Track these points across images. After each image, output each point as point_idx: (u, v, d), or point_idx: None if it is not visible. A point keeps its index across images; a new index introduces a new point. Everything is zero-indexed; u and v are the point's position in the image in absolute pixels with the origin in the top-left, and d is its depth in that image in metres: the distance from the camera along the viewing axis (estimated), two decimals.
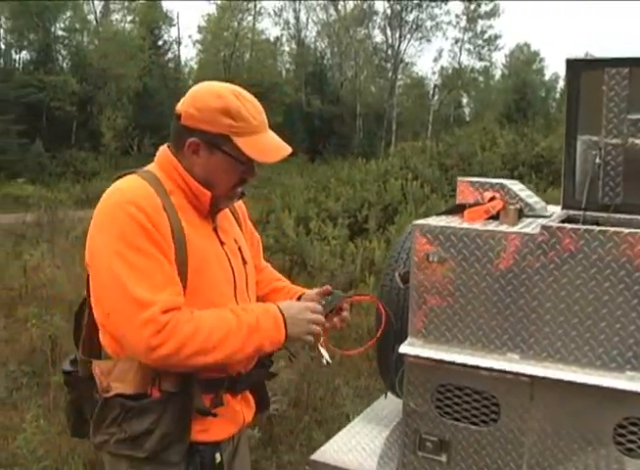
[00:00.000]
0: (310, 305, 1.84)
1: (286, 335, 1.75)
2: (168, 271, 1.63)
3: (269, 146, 1.77)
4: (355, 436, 2.71)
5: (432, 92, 47.55)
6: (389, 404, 2.93)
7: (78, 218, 12.50)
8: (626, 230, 1.96)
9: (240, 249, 1.92)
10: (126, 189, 1.70)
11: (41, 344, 5.44)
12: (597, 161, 2.57)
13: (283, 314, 1.75)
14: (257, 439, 3.87)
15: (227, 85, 1.79)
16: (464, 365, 2.16)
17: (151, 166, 1.82)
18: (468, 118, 47.80)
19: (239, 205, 2.08)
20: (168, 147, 1.82)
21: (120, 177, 1.79)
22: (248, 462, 2.11)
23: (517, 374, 2.09)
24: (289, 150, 1.78)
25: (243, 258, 1.92)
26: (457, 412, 2.23)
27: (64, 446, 3.78)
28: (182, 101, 1.77)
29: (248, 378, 1.86)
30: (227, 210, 1.97)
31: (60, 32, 35.92)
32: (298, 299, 2.04)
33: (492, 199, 2.45)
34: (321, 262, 8.37)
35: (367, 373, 5.20)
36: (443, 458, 2.24)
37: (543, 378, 2.05)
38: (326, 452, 2.57)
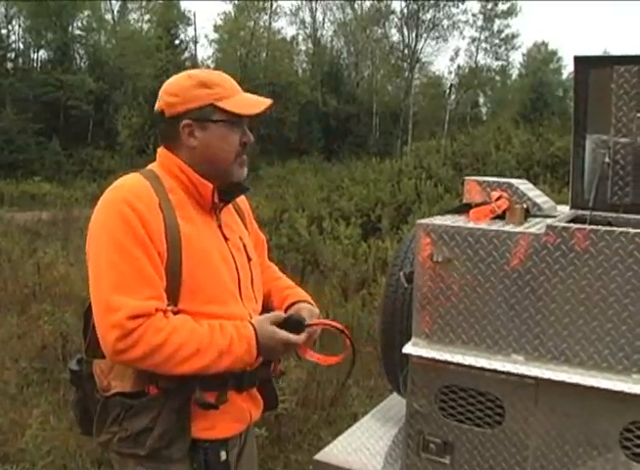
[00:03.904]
0: (282, 334, 1.78)
1: (258, 356, 1.75)
2: (149, 273, 1.64)
3: (250, 101, 1.84)
4: (361, 436, 2.69)
5: (448, 91, 47.38)
6: (397, 404, 2.91)
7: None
8: (633, 230, 1.93)
9: (245, 246, 1.93)
10: (124, 187, 1.74)
11: (52, 341, 5.47)
12: (606, 160, 2.53)
13: (257, 337, 1.73)
14: (265, 437, 3.86)
15: (189, 70, 1.88)
16: (468, 366, 2.13)
17: (152, 165, 1.86)
18: (485, 118, 47.53)
19: (243, 203, 2.09)
20: (165, 147, 1.85)
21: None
22: (255, 461, 2.10)
23: (521, 376, 2.06)
24: (268, 101, 1.85)
25: (247, 256, 1.92)
26: (461, 414, 2.20)
27: (72, 442, 3.78)
28: (157, 102, 1.83)
29: (253, 375, 1.85)
30: (232, 208, 1.98)
31: (77, 32, 36.19)
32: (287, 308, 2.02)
33: (499, 198, 2.42)
34: (333, 262, 8.36)
35: (377, 373, 5.17)
36: (447, 460, 2.21)
37: (548, 380, 2.02)
38: (330, 453, 2.55)
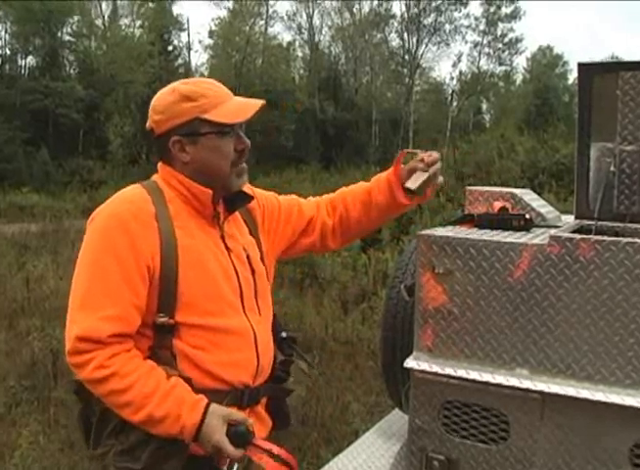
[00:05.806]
0: (224, 441, 1.62)
1: (195, 435, 1.62)
2: (119, 292, 1.63)
3: (239, 106, 1.80)
4: (362, 453, 2.64)
5: (450, 98, 47.17)
6: (399, 421, 2.87)
7: (85, 228, 12.52)
8: (639, 240, 1.89)
9: (248, 257, 1.88)
10: (118, 199, 1.75)
11: (42, 357, 5.36)
12: (611, 168, 2.51)
13: (203, 423, 1.61)
14: None
15: (176, 82, 1.84)
16: (471, 381, 2.10)
17: (155, 176, 1.86)
18: (488, 125, 47.28)
19: (255, 210, 2.01)
20: (162, 162, 1.84)
21: None
22: None
23: (526, 390, 2.02)
24: (259, 103, 1.81)
25: (251, 267, 1.88)
26: (465, 430, 2.16)
27: (63, 462, 3.71)
28: (148, 120, 1.81)
29: (256, 392, 1.82)
30: (240, 219, 1.94)
31: (66, 37, 35.54)
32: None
33: (502, 208, 2.40)
34: (332, 274, 8.31)
35: (379, 389, 5.10)
36: None
37: (554, 395, 1.98)
38: None
